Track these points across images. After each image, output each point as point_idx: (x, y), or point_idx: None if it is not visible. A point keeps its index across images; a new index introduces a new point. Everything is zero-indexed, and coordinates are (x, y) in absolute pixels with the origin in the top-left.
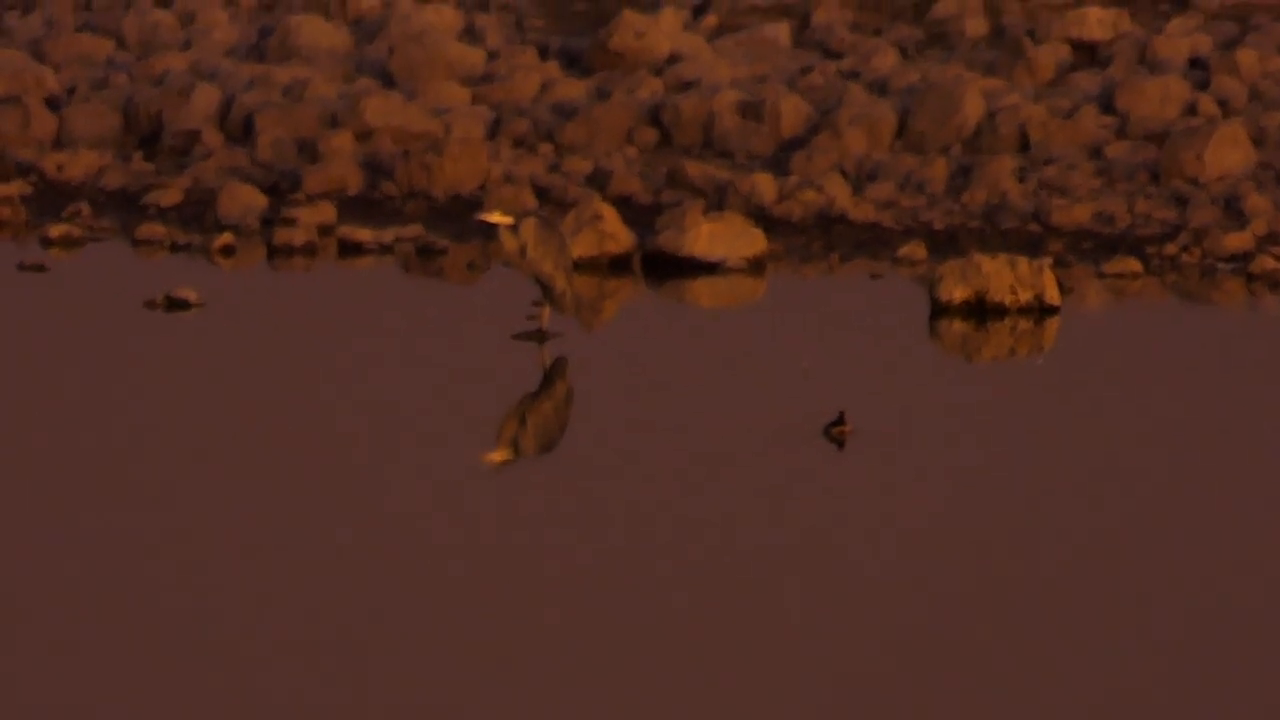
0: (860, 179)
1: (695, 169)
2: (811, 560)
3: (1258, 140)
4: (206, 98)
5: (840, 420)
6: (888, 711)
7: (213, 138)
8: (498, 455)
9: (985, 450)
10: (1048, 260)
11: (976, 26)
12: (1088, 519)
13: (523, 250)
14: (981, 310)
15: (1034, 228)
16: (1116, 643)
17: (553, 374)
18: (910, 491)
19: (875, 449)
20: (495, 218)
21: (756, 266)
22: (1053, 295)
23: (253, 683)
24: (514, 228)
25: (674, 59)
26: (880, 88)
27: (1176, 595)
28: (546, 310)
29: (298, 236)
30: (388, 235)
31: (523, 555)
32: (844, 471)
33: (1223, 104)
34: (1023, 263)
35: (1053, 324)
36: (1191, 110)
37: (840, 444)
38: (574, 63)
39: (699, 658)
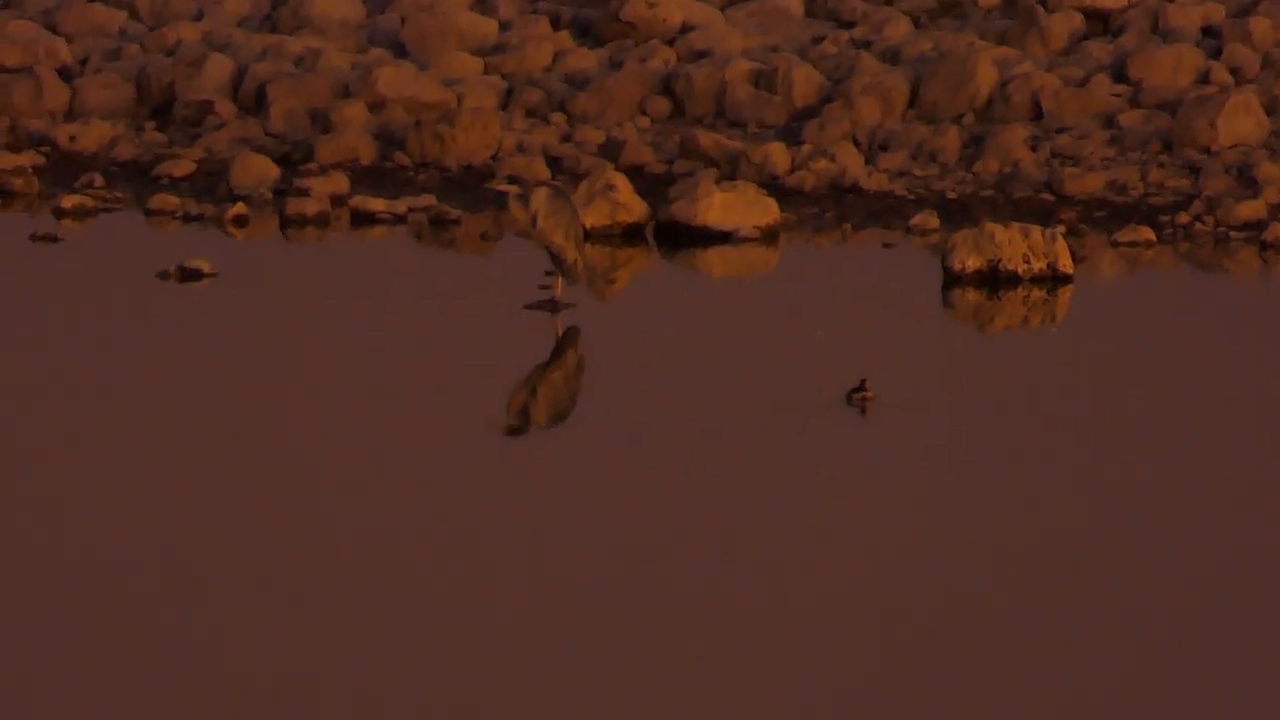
0: (873, 148)
1: (708, 139)
2: (827, 527)
3: (1270, 109)
4: (219, 68)
5: (862, 387)
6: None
7: (225, 108)
8: (511, 427)
9: (998, 419)
10: (1060, 229)
11: None
12: (1100, 488)
13: (533, 220)
14: (994, 279)
15: (1047, 197)
16: (1128, 612)
17: (564, 344)
18: (923, 460)
19: (889, 418)
20: (505, 187)
21: (769, 236)
22: (1066, 264)
23: (255, 641)
24: (524, 198)
25: (686, 29)
26: (892, 57)
27: (1184, 562)
28: (559, 280)
29: (310, 207)
30: (400, 205)
31: (537, 525)
32: (855, 440)
33: (1235, 72)
34: (1036, 232)
35: (1066, 293)
36: (1204, 79)
37: (862, 410)
38: (586, 33)
39: (719, 627)
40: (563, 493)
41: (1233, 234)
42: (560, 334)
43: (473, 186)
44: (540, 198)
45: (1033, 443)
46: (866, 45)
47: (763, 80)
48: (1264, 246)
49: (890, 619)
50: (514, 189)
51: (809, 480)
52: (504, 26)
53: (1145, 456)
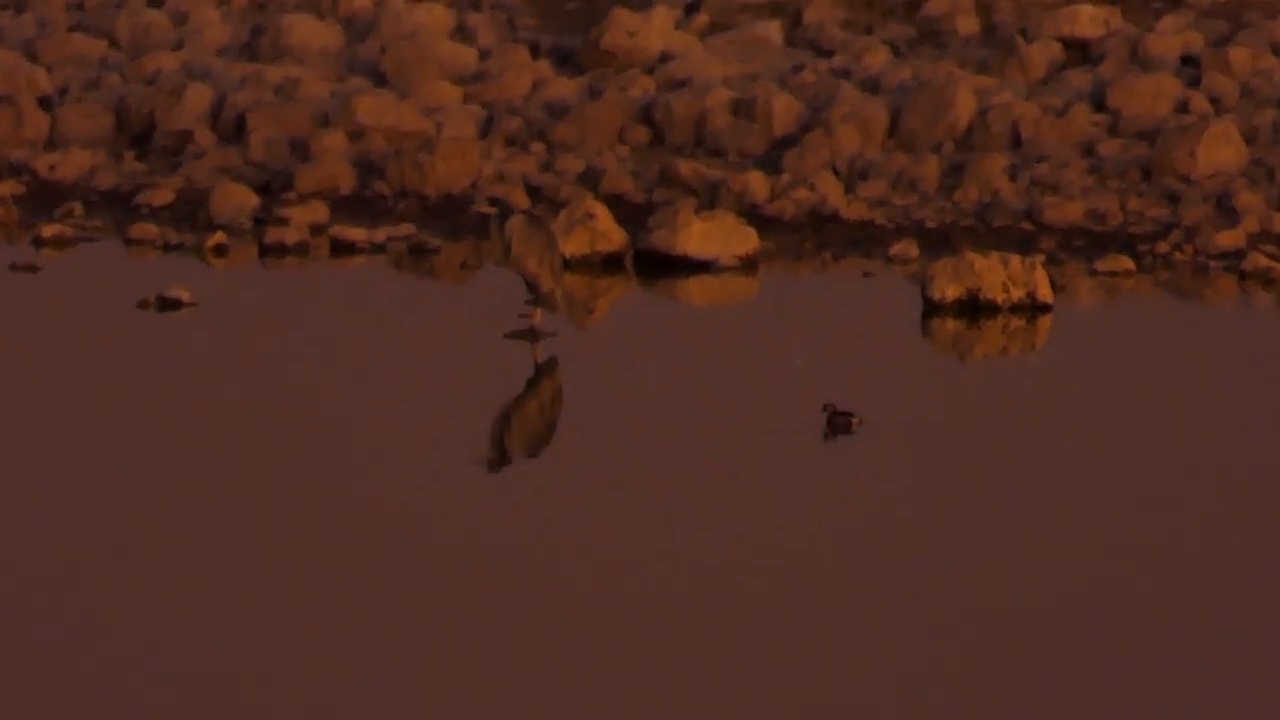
0: (852, 177)
1: (687, 167)
2: (804, 555)
3: (1249, 137)
4: (198, 97)
5: (847, 413)
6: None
7: (205, 137)
8: (489, 458)
9: (978, 448)
10: (1040, 258)
11: (968, 24)
12: (1077, 516)
13: (507, 248)
14: (974, 308)
15: (1026, 225)
16: (1107, 632)
17: (540, 374)
18: (904, 488)
19: (868, 447)
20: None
21: (749, 265)
22: (1045, 293)
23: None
24: (503, 222)
25: (666, 57)
26: (872, 86)
27: (1165, 591)
28: (539, 309)
29: (290, 235)
30: (380, 234)
31: (516, 554)
32: (834, 469)
33: (1214, 101)
34: (1015, 260)
35: (1045, 322)
36: (1183, 108)
37: (849, 432)
38: (566, 61)
39: (697, 654)
40: (539, 524)
41: (1212, 263)
42: (538, 364)
43: (452, 215)
44: (515, 225)
45: (1012, 471)
46: (846, 74)
47: (742, 109)
48: (1243, 275)
49: (871, 644)
50: (494, 210)
51: (787, 508)
52: (483, 55)
53: (1123, 485)
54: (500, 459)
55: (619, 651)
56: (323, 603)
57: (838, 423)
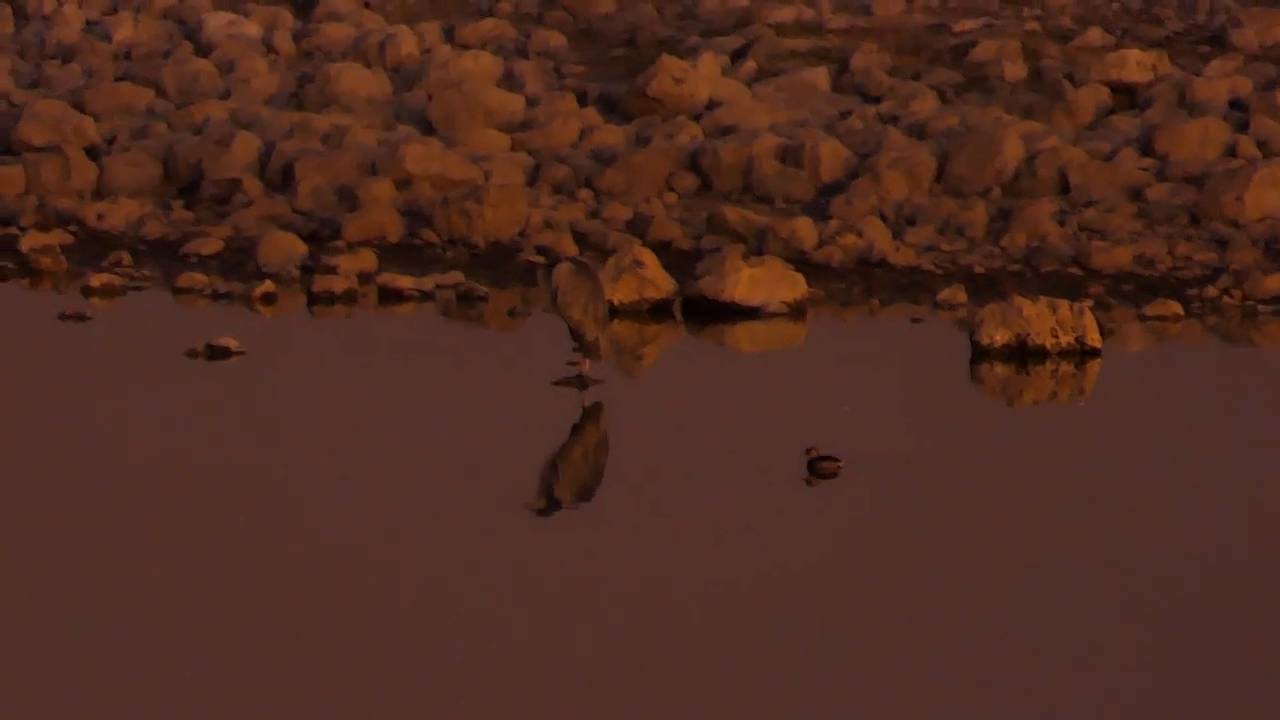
0: (900, 223)
1: (735, 214)
2: (851, 601)
3: None
4: (246, 146)
5: (827, 456)
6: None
7: (253, 186)
8: (538, 505)
9: (1027, 491)
10: (1088, 303)
11: (1015, 70)
12: (1126, 558)
13: (554, 296)
14: (1023, 353)
15: (1074, 271)
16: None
17: (586, 421)
18: (952, 532)
19: (918, 492)
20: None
21: (797, 311)
22: (1094, 338)
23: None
24: (550, 270)
25: (713, 104)
26: (919, 131)
27: (1209, 639)
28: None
29: (338, 284)
30: (428, 282)
31: (565, 599)
32: (881, 514)
33: (1262, 145)
34: (1063, 306)
35: (1094, 367)
36: (1231, 152)
37: (830, 476)
38: (613, 108)
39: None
40: (588, 569)
41: (1260, 307)
42: (586, 410)
43: (500, 263)
44: (561, 273)
45: (1061, 515)
46: (893, 120)
47: (789, 155)
48: None
49: (927, 686)
50: (541, 260)
51: (833, 553)
52: (531, 103)
53: (1171, 530)
54: (549, 505)
55: (665, 697)
56: (370, 646)
57: (820, 468)
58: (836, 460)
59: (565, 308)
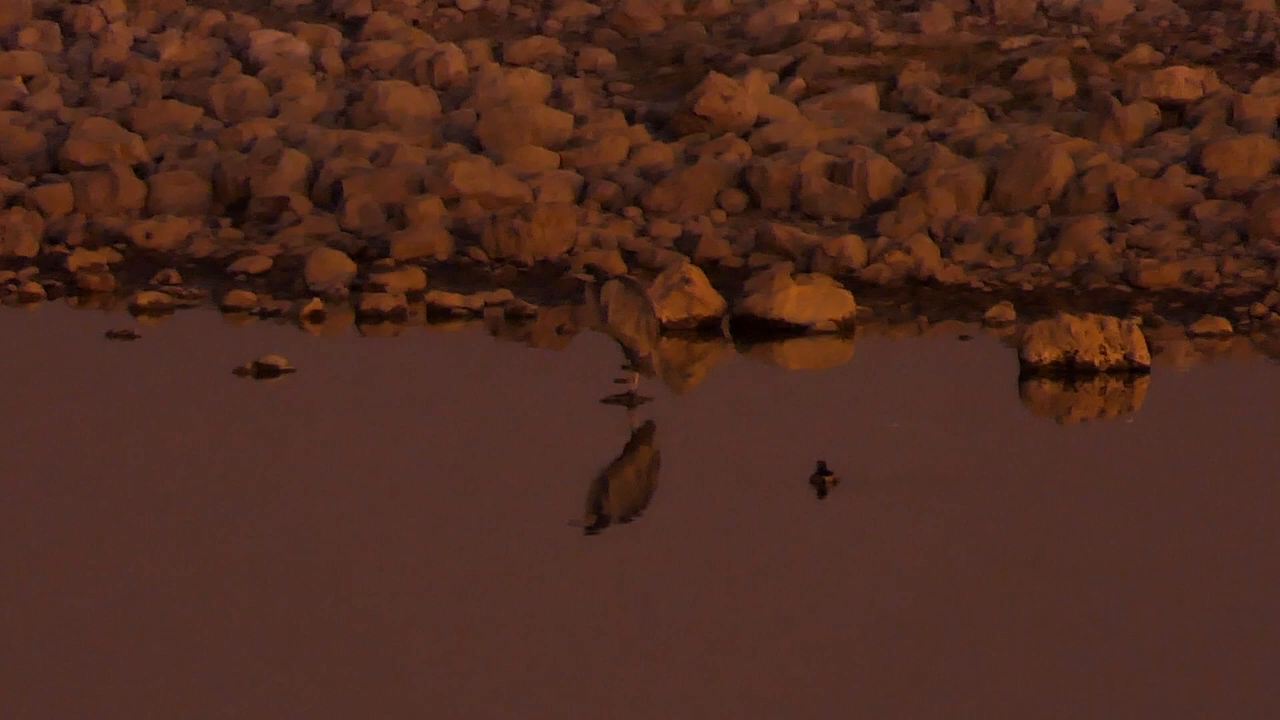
0: (948, 240)
1: (783, 232)
2: (903, 618)
3: None
4: (294, 164)
5: (824, 469)
6: None
7: (301, 204)
8: (587, 524)
9: (1076, 509)
10: (1137, 320)
11: (1064, 87)
12: (1175, 577)
13: (604, 313)
14: (1071, 371)
15: (1122, 288)
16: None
17: (638, 440)
18: (1003, 552)
19: (970, 511)
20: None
21: (845, 329)
22: (1142, 355)
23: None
24: (597, 288)
25: (761, 122)
26: (968, 149)
27: (1259, 657)
28: (636, 374)
29: (386, 302)
30: (476, 300)
31: (610, 619)
32: (931, 533)
33: None
34: (1112, 323)
35: (1143, 384)
36: (1279, 169)
37: (824, 491)
38: (661, 126)
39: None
40: (635, 587)
41: None
42: (639, 431)
43: (549, 281)
44: (611, 290)
45: (1110, 534)
46: (941, 137)
47: (838, 173)
48: None
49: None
50: (589, 278)
51: (883, 571)
52: (579, 121)
53: (1220, 549)
54: (598, 522)
55: (716, 715)
56: (418, 663)
57: (818, 481)
58: (830, 474)
59: (618, 324)
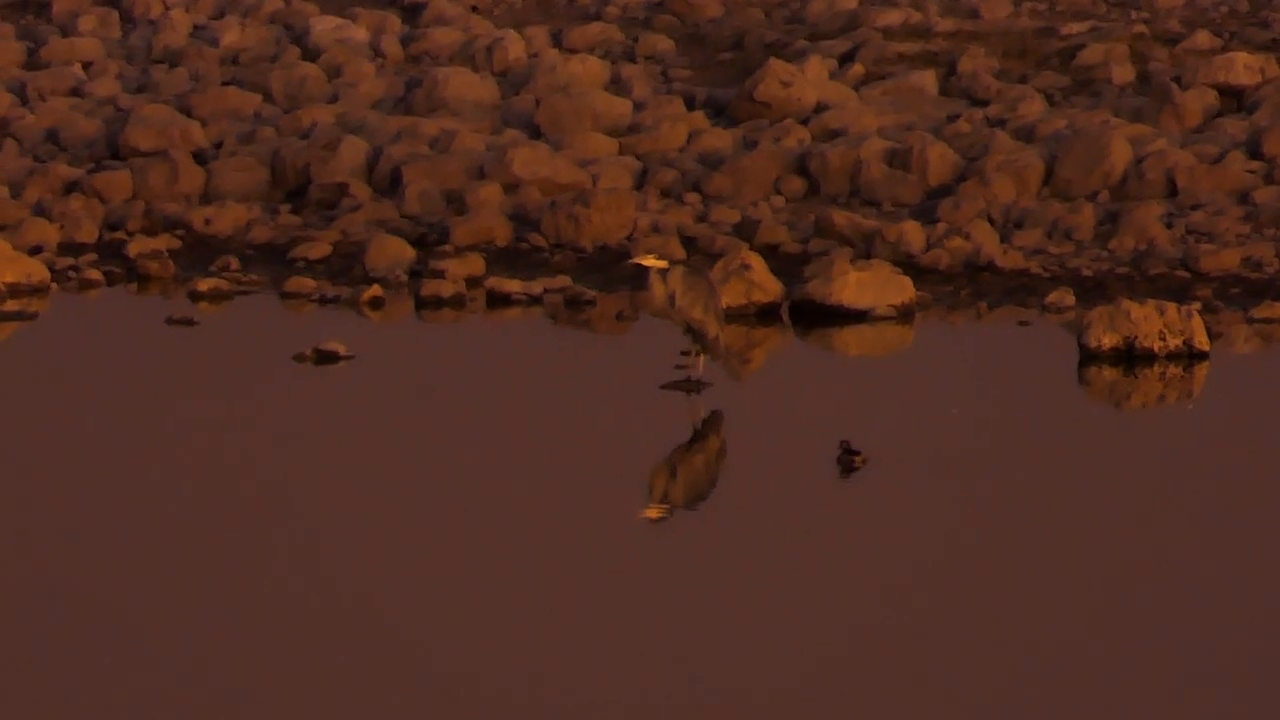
0: (1008, 226)
1: (842, 218)
2: (967, 604)
3: None
4: (353, 150)
5: (851, 449)
6: None
7: (360, 190)
8: (653, 511)
9: (1135, 494)
10: (1196, 306)
11: (1123, 73)
12: (1231, 561)
13: (671, 299)
14: (1130, 356)
15: (1182, 274)
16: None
17: (705, 427)
18: (1063, 532)
19: (1029, 492)
20: (648, 261)
21: (904, 314)
22: (1202, 341)
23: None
24: (663, 274)
25: (820, 108)
26: (1027, 135)
27: None
28: (700, 359)
29: (446, 288)
30: (536, 286)
31: (677, 604)
32: (993, 519)
33: None
34: (1171, 309)
35: (1202, 370)
36: None
37: (850, 470)
38: (720, 112)
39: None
40: (701, 576)
41: None
42: (701, 416)
43: (608, 267)
44: (676, 276)
45: (1171, 518)
46: (1001, 123)
47: (897, 159)
48: None
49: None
50: (662, 263)
51: (942, 557)
52: (638, 107)
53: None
54: (662, 508)
55: (773, 707)
56: (480, 650)
57: (845, 461)
58: (858, 453)
59: (686, 308)
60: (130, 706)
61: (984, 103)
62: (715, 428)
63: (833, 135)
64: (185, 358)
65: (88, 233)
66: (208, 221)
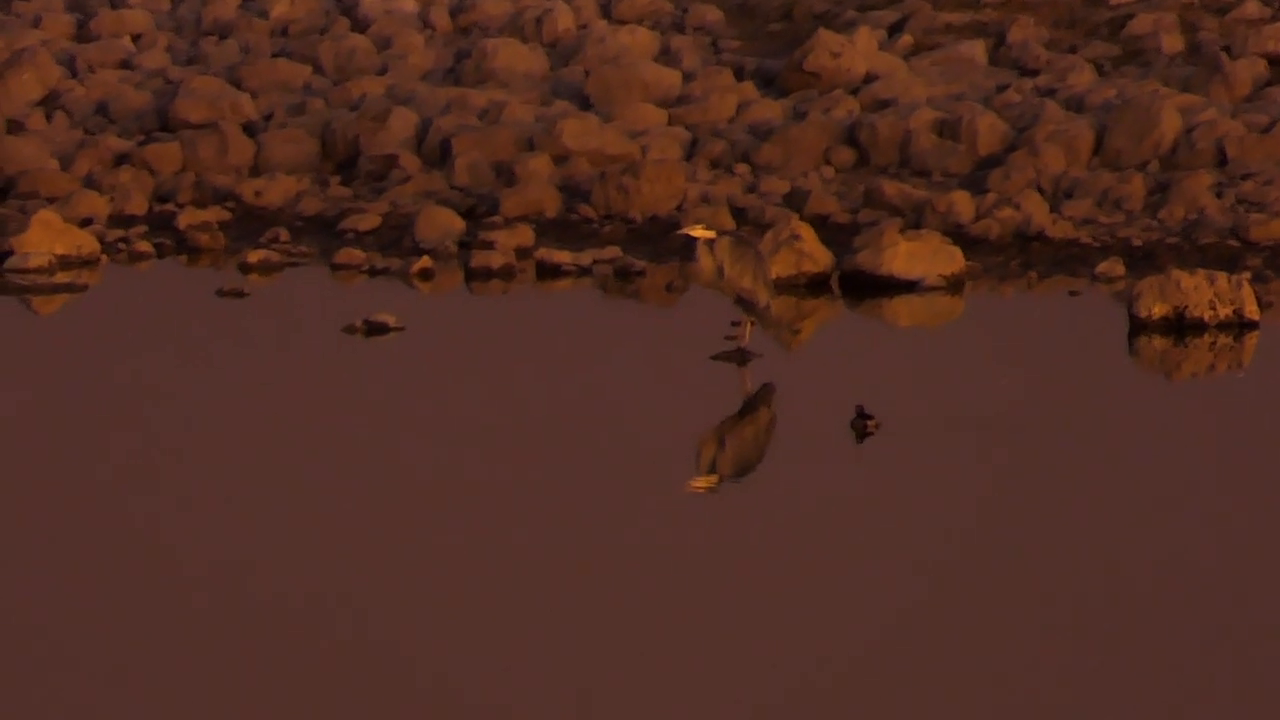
0: (1058, 196)
1: (892, 188)
2: (1017, 579)
3: None
4: (403, 122)
5: (864, 414)
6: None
7: (410, 162)
8: (702, 482)
9: (1187, 465)
10: (1246, 275)
11: (1173, 42)
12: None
13: (720, 270)
14: (1181, 326)
15: (1232, 243)
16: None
17: (757, 399)
18: (1113, 504)
19: (1080, 463)
20: (697, 231)
21: (954, 285)
22: (1252, 310)
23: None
24: (711, 245)
25: (870, 78)
26: (1077, 105)
27: None
28: (748, 329)
29: (495, 259)
30: (585, 257)
31: (721, 576)
32: (1043, 490)
33: None
34: (1221, 278)
35: (1252, 339)
36: None
37: (864, 435)
38: (770, 83)
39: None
40: (750, 547)
41: None
42: (752, 388)
43: (657, 238)
44: (724, 246)
45: (1222, 489)
46: (1050, 93)
47: (947, 129)
48: None
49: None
50: (710, 234)
51: (990, 531)
52: (687, 78)
53: None
54: (712, 478)
55: (821, 679)
56: (526, 621)
57: (859, 425)
58: (872, 418)
59: (735, 279)
60: (194, 640)
61: (1033, 73)
62: (766, 399)
63: (882, 106)
64: (235, 330)
65: (138, 205)
66: (258, 193)
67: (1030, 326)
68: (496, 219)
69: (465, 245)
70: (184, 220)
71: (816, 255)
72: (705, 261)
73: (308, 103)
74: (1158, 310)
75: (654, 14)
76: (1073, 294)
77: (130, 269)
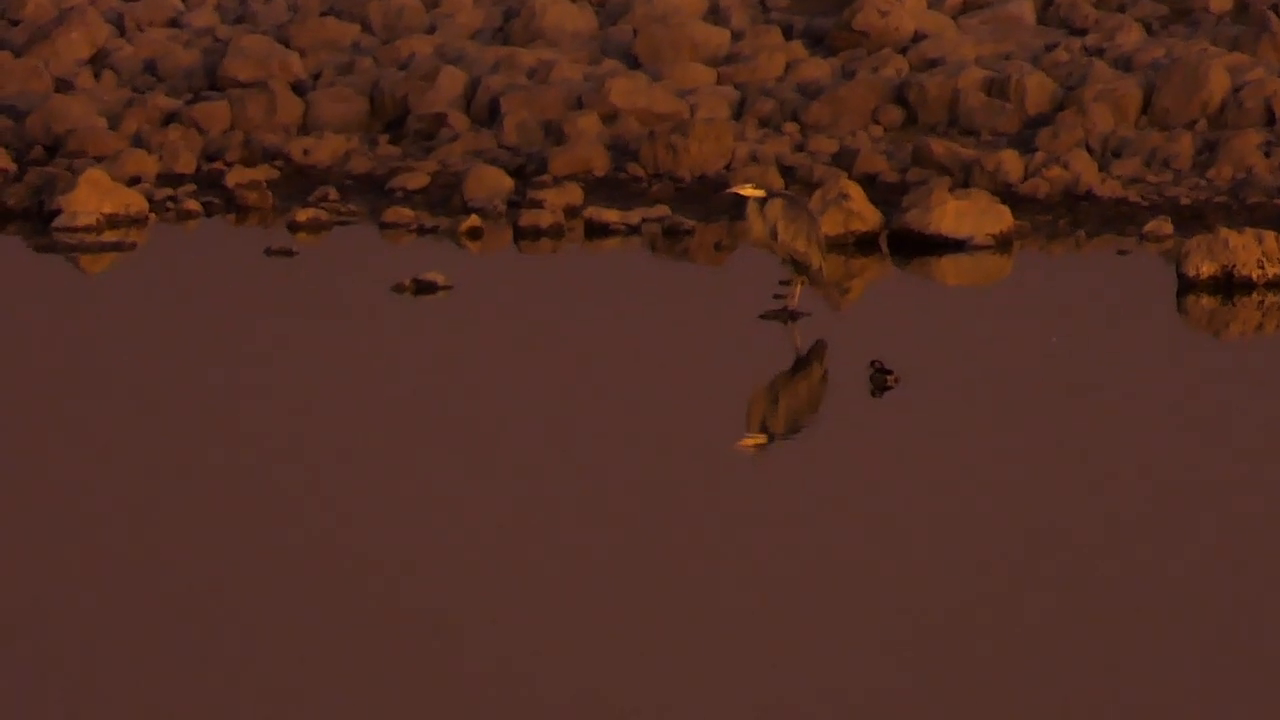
0: (1106, 155)
1: (941, 147)
2: (1063, 538)
3: None
4: (452, 81)
5: (883, 368)
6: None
7: (459, 121)
8: (752, 440)
9: (1237, 422)
10: None
11: (1221, 2)
12: None
13: (773, 231)
14: (1229, 285)
15: None
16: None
17: (810, 357)
18: (1165, 462)
19: (1131, 424)
20: (746, 190)
21: (1003, 244)
22: None
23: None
24: (762, 204)
25: (919, 37)
26: (1125, 64)
27: None
28: (798, 290)
29: (544, 218)
30: (634, 216)
31: (770, 536)
32: (1091, 449)
33: None
34: (1270, 237)
35: None
36: None
37: (883, 389)
38: (818, 42)
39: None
40: (800, 506)
41: None
42: (804, 346)
43: (706, 197)
44: (776, 207)
45: (1272, 450)
46: (1099, 52)
47: (995, 88)
48: None
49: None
50: (759, 192)
51: (1037, 489)
52: (736, 37)
53: None
54: (763, 436)
55: (871, 640)
56: (585, 581)
57: (878, 380)
58: (891, 372)
59: (789, 241)
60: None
61: (1082, 32)
62: (817, 356)
63: (931, 65)
64: (284, 288)
65: (186, 163)
66: (306, 152)
67: (1079, 285)
68: (545, 178)
69: (514, 204)
70: (232, 179)
71: (865, 214)
72: (755, 221)
73: (356, 61)
74: (1206, 269)
75: None
76: (1121, 253)
77: (178, 228)
